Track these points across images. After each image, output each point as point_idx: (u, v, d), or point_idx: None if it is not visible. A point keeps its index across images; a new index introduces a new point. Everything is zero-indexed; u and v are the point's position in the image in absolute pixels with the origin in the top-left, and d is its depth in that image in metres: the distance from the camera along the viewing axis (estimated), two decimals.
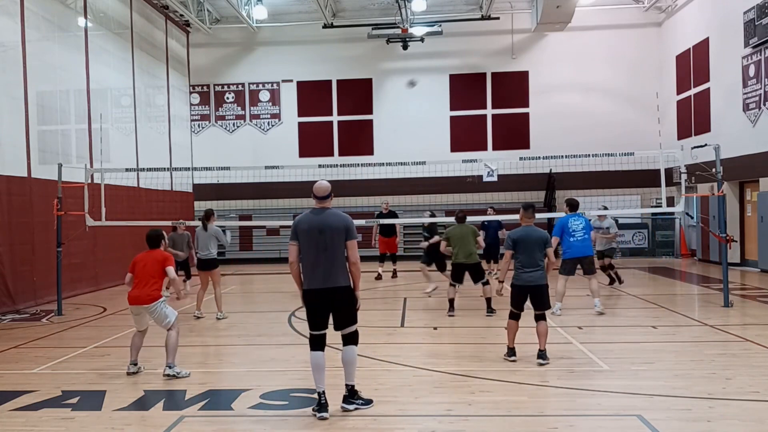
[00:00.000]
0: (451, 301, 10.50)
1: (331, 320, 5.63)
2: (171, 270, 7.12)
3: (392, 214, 15.38)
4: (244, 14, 21.13)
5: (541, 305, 7.16)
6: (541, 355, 7.03)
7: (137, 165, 17.25)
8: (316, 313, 5.56)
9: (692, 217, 18.73)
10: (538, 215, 16.37)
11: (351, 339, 5.63)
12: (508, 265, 7.29)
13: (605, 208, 14.06)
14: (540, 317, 7.16)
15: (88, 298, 13.53)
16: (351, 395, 5.59)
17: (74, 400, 6.04)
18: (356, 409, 5.53)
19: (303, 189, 21.17)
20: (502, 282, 7.47)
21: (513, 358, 7.17)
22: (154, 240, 7.34)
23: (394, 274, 15.77)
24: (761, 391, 5.85)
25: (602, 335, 8.66)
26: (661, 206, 12.66)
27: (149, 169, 15.72)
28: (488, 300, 10.40)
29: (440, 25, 20.98)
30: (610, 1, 21.82)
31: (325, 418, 5.35)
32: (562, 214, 10.78)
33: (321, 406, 5.42)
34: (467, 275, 10.48)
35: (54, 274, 11.52)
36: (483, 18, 21.87)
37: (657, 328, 9.03)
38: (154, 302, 6.99)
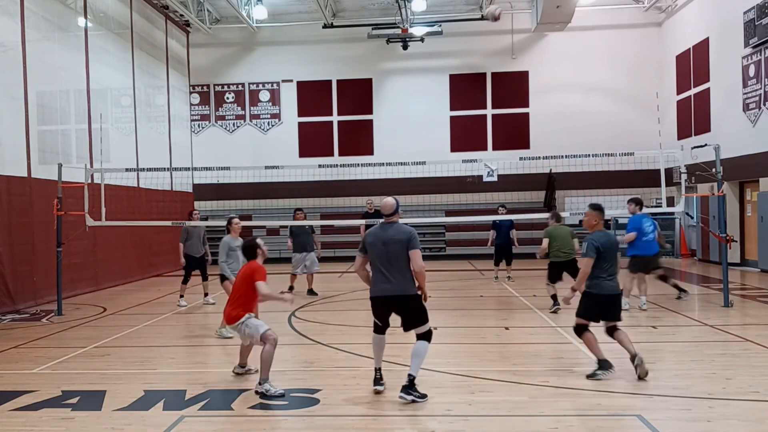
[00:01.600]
0: (554, 297, 10.43)
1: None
2: (261, 285, 6.31)
3: (379, 214, 15.11)
4: (244, 14, 21.13)
5: (617, 316, 6.57)
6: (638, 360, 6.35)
7: (137, 165, 17.25)
8: (380, 315, 6.14)
9: (692, 217, 18.73)
10: (538, 215, 16.42)
11: (424, 336, 5.96)
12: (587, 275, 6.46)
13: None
14: (615, 329, 6.57)
15: (88, 298, 13.52)
16: (410, 386, 5.76)
17: (74, 400, 6.04)
18: (413, 401, 5.69)
19: (303, 189, 21.52)
20: (576, 291, 6.67)
21: (611, 370, 6.36)
22: (249, 250, 6.67)
23: None
24: (761, 391, 5.85)
25: (602, 335, 8.65)
26: (661, 206, 12.65)
27: (149, 169, 15.72)
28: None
29: (440, 25, 20.97)
30: (610, 1, 21.83)
31: (379, 392, 5.92)
32: (566, 214, 10.79)
33: (376, 380, 6.00)
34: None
35: (54, 274, 11.52)
36: (483, 18, 21.84)
37: (657, 328, 9.03)
38: (235, 322, 6.41)
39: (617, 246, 6.60)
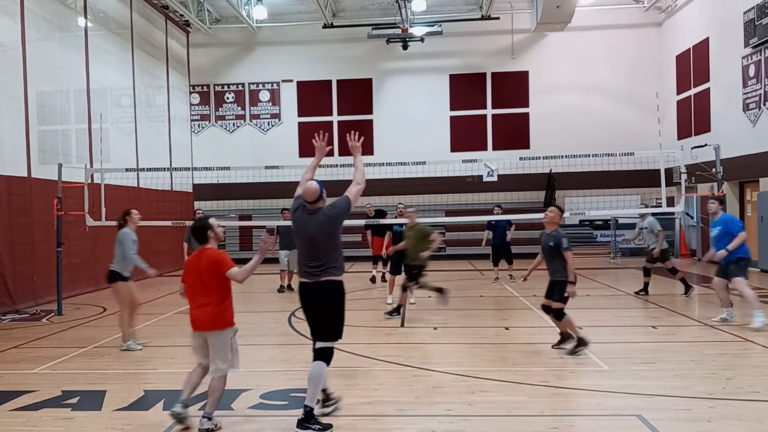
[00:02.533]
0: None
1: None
2: (235, 273, 5.26)
3: (380, 214, 15.04)
4: (244, 14, 21.14)
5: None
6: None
7: (137, 165, 17.25)
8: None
9: (692, 217, 18.72)
10: (538, 215, 16.42)
11: (324, 355, 5.18)
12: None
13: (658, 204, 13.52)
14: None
15: (88, 298, 13.52)
16: (308, 419, 4.99)
17: (74, 400, 6.04)
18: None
19: None
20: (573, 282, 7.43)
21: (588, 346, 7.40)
22: (201, 232, 5.41)
23: (384, 278, 15.68)
24: (761, 391, 5.85)
25: (602, 335, 8.66)
26: (661, 206, 12.65)
27: (149, 169, 15.72)
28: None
29: (440, 25, 20.99)
30: (610, 1, 21.83)
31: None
32: (566, 214, 10.64)
33: (322, 401, 5.44)
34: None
35: (54, 274, 11.52)
36: (483, 18, 21.88)
37: (657, 328, 9.03)
38: (225, 327, 5.35)
39: None
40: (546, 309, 7.70)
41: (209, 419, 5.12)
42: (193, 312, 5.29)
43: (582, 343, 7.38)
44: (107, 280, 8.53)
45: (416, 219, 10.53)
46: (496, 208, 14.51)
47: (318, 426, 4.97)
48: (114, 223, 10.22)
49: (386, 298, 11.62)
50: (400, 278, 10.84)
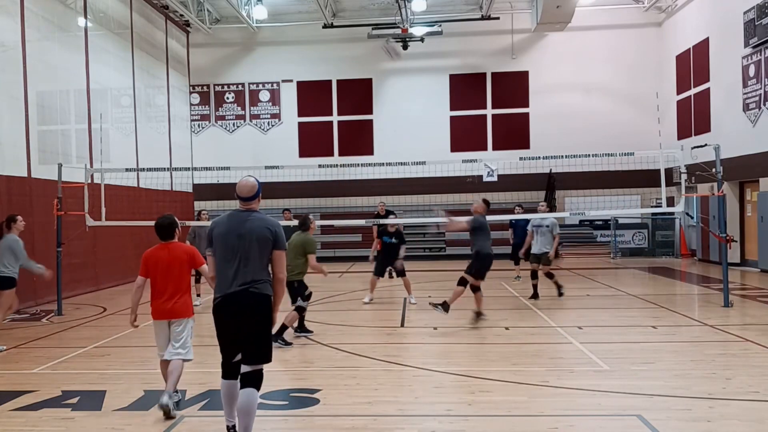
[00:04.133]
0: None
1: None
2: (206, 269, 5.28)
3: (389, 215, 15.13)
4: (244, 14, 21.14)
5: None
6: None
7: (137, 165, 17.25)
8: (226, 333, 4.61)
9: (692, 217, 18.72)
10: (538, 215, 16.38)
11: (254, 380, 4.53)
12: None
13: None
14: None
15: (88, 298, 13.52)
16: None
17: (74, 400, 6.04)
18: None
19: (303, 189, 21.52)
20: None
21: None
22: (169, 229, 5.74)
23: (391, 275, 15.70)
24: (761, 391, 5.85)
25: (602, 335, 8.66)
26: (661, 206, 12.65)
27: (149, 169, 15.71)
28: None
29: (440, 25, 21.00)
30: (610, 1, 21.84)
31: None
32: (566, 214, 10.67)
33: None
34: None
35: (54, 274, 11.51)
36: (483, 18, 21.88)
37: (657, 328, 9.03)
38: (188, 316, 5.74)
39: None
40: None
41: (172, 395, 5.48)
42: (167, 302, 5.56)
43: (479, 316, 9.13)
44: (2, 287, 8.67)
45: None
46: (517, 207, 14.31)
47: None
48: (114, 223, 10.22)
49: (364, 297, 12.00)
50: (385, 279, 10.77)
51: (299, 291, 8.43)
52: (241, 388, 4.48)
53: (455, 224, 9.94)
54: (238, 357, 4.56)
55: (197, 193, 21.93)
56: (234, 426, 4.64)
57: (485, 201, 9.91)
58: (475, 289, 9.29)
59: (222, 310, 4.53)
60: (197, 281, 11.88)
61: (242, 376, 4.50)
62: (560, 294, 11.75)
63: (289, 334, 8.45)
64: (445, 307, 9.25)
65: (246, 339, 4.50)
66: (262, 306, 4.51)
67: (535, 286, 11.81)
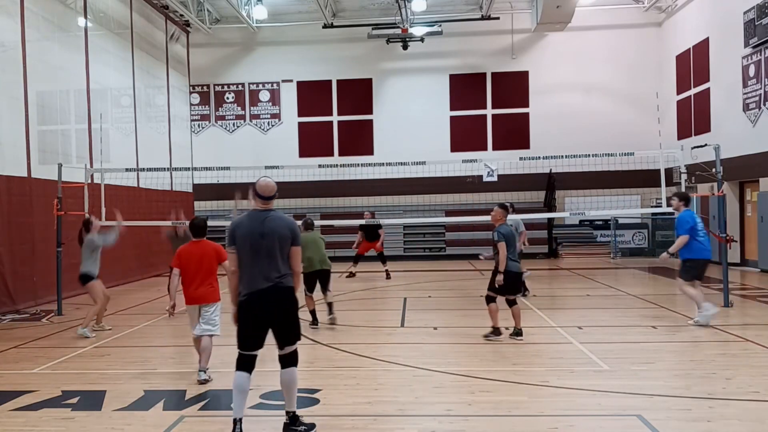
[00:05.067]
0: (313, 312, 9.54)
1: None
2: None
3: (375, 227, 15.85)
4: (244, 14, 21.13)
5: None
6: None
7: (137, 165, 17.24)
8: (250, 326, 4.94)
9: None
10: (538, 215, 16.45)
11: (293, 360, 5.06)
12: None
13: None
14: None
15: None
16: (293, 423, 5.05)
17: (74, 400, 6.04)
18: None
19: (303, 189, 21.50)
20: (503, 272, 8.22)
21: (500, 337, 8.26)
22: (203, 229, 6.89)
23: (387, 275, 15.74)
24: (761, 391, 5.85)
25: (602, 335, 8.66)
26: (661, 206, 12.65)
27: (149, 169, 15.72)
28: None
29: (440, 25, 20.99)
30: (610, 1, 21.84)
31: None
32: (566, 214, 10.61)
33: None
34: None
35: (54, 274, 11.51)
36: (483, 18, 21.88)
37: (657, 328, 9.03)
38: (216, 301, 6.76)
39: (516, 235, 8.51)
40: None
41: (205, 372, 6.57)
42: (198, 289, 6.67)
43: (496, 332, 8.33)
44: None
45: None
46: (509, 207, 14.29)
47: (303, 426, 5.05)
48: (114, 223, 10.25)
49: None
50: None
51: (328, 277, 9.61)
52: (283, 368, 5.01)
53: (495, 258, 8.34)
54: (256, 351, 4.98)
55: (197, 193, 21.92)
56: (241, 419, 4.86)
57: (503, 206, 8.56)
58: (490, 300, 8.38)
59: (253, 305, 4.90)
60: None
61: (282, 358, 5.01)
62: (523, 294, 11.16)
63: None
64: (496, 332, 8.31)
65: (279, 326, 4.98)
66: (289, 296, 4.97)
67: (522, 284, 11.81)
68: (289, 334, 5.00)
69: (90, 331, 9.15)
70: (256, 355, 4.96)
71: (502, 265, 8.11)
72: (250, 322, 4.91)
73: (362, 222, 14.58)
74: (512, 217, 11.91)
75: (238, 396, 4.90)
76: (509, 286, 8.25)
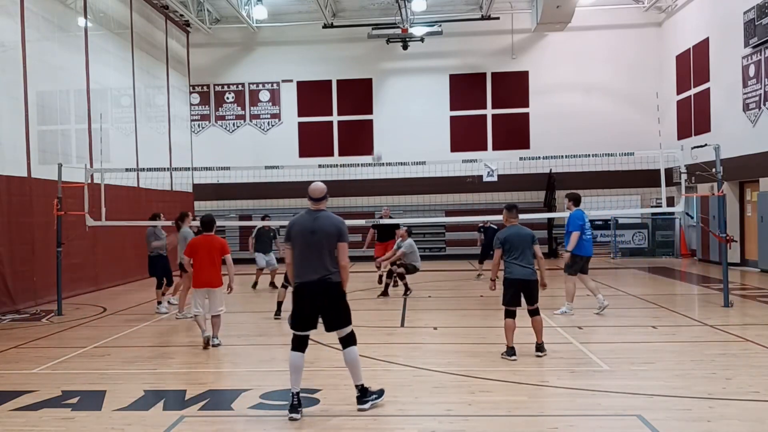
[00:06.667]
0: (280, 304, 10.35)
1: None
2: (230, 258, 8.30)
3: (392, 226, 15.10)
4: (244, 14, 21.13)
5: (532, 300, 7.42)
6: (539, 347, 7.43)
7: (137, 165, 17.25)
8: (304, 312, 5.59)
9: (692, 217, 18.73)
10: (538, 215, 16.47)
11: (351, 340, 5.66)
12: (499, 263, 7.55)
13: None
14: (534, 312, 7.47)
15: (88, 298, 13.53)
16: (364, 394, 5.62)
17: (74, 400, 6.04)
18: (372, 405, 5.60)
19: (303, 189, 21.14)
20: (494, 280, 7.73)
21: (514, 357, 7.28)
22: (211, 224, 8.30)
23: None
24: (761, 391, 5.85)
25: (602, 335, 8.67)
26: (661, 206, 12.65)
27: (149, 169, 15.71)
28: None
29: (440, 25, 20.99)
30: (610, 1, 21.83)
31: (295, 419, 5.37)
32: (565, 214, 10.62)
33: (293, 407, 5.43)
34: None
35: (54, 274, 11.52)
36: (483, 18, 21.88)
37: (657, 328, 9.03)
38: (222, 285, 8.22)
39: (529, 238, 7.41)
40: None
41: (216, 338, 8.31)
42: (206, 276, 8.06)
43: (509, 352, 7.32)
44: None
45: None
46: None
47: (374, 395, 5.64)
48: (114, 223, 10.26)
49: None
50: None
51: None
52: (344, 348, 5.63)
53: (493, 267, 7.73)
54: (308, 332, 5.66)
55: (197, 193, 21.93)
56: (299, 393, 5.48)
57: (509, 207, 7.81)
58: (507, 315, 7.48)
59: (304, 293, 5.56)
60: (160, 287, 11.63)
61: (342, 339, 5.64)
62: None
63: None
64: (509, 351, 7.35)
65: (326, 314, 5.59)
66: (336, 290, 5.57)
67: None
68: (336, 320, 5.59)
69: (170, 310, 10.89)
70: (308, 336, 5.63)
71: (494, 272, 7.54)
72: (299, 307, 5.60)
73: (374, 221, 14.03)
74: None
75: (294, 373, 5.52)
76: (513, 295, 7.34)
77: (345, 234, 5.61)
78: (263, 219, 14.90)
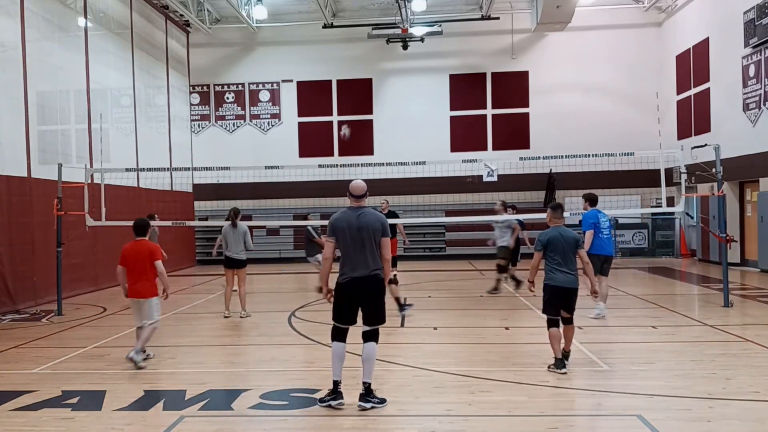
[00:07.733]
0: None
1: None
2: (161, 264, 7.48)
3: (392, 214, 14.97)
4: (244, 14, 21.13)
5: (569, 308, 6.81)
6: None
7: (137, 165, 17.25)
8: (346, 308, 5.77)
9: (692, 217, 18.73)
10: (538, 215, 16.47)
11: (374, 336, 5.79)
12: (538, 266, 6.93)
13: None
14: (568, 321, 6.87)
15: (88, 298, 13.52)
16: (368, 393, 5.67)
17: (74, 400, 6.04)
18: (372, 407, 5.59)
19: (303, 189, 21.52)
20: (532, 281, 7.05)
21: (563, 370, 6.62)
22: (144, 229, 7.74)
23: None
24: (761, 391, 5.85)
25: (602, 335, 8.66)
26: (661, 206, 12.65)
27: (149, 169, 15.71)
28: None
29: (440, 25, 20.98)
30: (610, 1, 21.82)
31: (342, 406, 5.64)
32: (566, 214, 10.56)
33: (337, 394, 5.69)
34: None
35: (54, 274, 11.52)
36: (483, 18, 21.87)
37: (657, 328, 9.03)
38: (152, 296, 7.47)
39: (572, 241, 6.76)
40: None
41: (144, 352, 7.38)
42: (135, 285, 7.38)
43: (558, 365, 6.69)
44: None
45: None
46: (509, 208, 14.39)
47: (377, 399, 5.65)
48: (114, 223, 10.26)
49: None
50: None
51: None
52: (365, 342, 5.72)
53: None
54: (347, 325, 5.79)
55: (197, 193, 21.94)
56: (340, 381, 5.69)
57: (554, 207, 7.11)
58: (550, 324, 6.81)
59: (350, 288, 5.71)
60: None
61: (365, 333, 5.74)
62: (517, 286, 12.41)
63: None
64: (558, 364, 6.69)
65: (368, 308, 5.73)
66: (380, 286, 5.76)
67: (497, 281, 12.71)
68: (375, 316, 5.74)
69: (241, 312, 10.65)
70: (348, 328, 5.78)
71: (532, 274, 6.87)
72: (346, 301, 5.74)
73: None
74: (508, 218, 12.34)
75: (336, 361, 5.71)
76: (554, 304, 6.73)
77: (387, 229, 5.89)
78: (306, 218, 14.43)
